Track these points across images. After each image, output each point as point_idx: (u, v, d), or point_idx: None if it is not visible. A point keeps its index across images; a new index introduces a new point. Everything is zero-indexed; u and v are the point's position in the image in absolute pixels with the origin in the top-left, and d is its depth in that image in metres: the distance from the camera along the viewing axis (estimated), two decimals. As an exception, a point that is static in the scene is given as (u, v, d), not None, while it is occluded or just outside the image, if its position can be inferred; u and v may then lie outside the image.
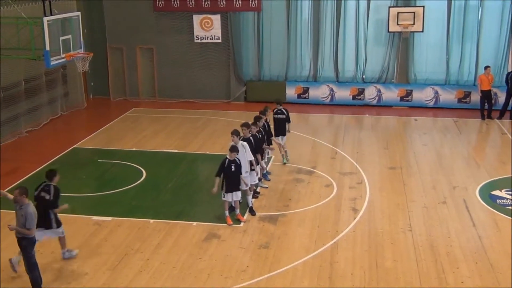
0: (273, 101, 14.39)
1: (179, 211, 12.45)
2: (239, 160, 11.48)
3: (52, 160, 15.92)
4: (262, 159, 12.84)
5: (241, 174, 11.45)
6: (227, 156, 11.39)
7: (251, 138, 12.33)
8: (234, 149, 11.37)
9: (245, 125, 12.39)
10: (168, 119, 20.39)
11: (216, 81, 22.73)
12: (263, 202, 12.87)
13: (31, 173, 14.60)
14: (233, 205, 11.82)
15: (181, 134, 18.48)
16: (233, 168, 11.39)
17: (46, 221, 9.58)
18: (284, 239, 11.15)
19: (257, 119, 13.03)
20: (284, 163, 14.78)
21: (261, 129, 13.01)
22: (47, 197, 9.54)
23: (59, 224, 9.82)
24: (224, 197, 11.60)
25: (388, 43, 21.66)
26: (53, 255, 10.49)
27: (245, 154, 11.84)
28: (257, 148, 12.42)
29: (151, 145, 17.31)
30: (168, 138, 18.04)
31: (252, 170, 12.15)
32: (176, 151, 16.74)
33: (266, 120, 13.55)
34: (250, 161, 12.00)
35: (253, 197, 12.51)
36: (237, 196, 11.58)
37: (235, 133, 11.78)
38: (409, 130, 18.94)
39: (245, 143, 11.97)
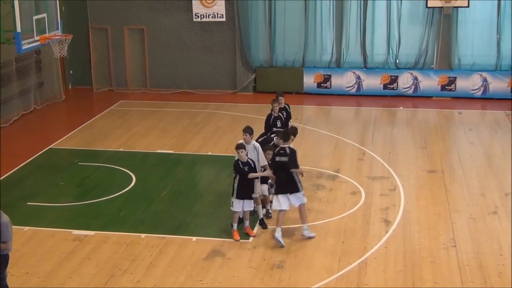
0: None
1: (176, 224, 12.50)
2: (253, 162, 11.57)
3: (24, 163, 16.00)
4: None
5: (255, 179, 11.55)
6: (238, 158, 11.45)
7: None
8: (239, 146, 11.45)
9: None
10: (162, 113, 20.44)
11: (219, 68, 22.89)
12: (276, 213, 12.71)
13: (-1, 179, 14.50)
14: (241, 216, 11.90)
15: (178, 131, 18.50)
16: (247, 171, 11.49)
17: (290, 185, 11.09)
18: (301, 257, 11.13)
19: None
20: None
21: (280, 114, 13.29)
22: (284, 159, 11.05)
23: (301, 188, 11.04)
24: (232, 206, 11.66)
25: (426, 21, 21.69)
26: (26, 276, 10.50)
27: (258, 158, 11.90)
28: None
29: (142, 145, 17.36)
30: (162, 136, 18.09)
31: (266, 182, 12.27)
32: (171, 152, 16.79)
33: (282, 111, 13.74)
34: (263, 167, 12.04)
35: (267, 209, 12.59)
36: (249, 205, 11.64)
37: (248, 131, 11.84)
38: (452, 125, 18.94)
39: (258, 145, 12.05)
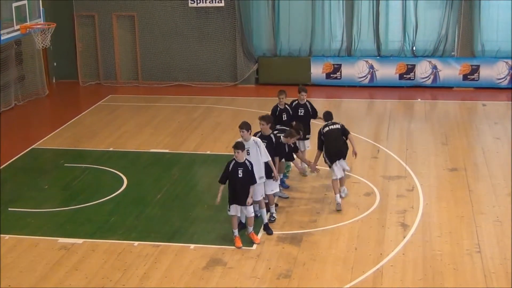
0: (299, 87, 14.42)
1: (172, 231, 12.47)
2: (250, 164, 11.50)
3: (4, 165, 15.99)
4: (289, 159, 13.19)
5: (252, 183, 11.47)
6: (234, 157, 11.37)
7: (272, 136, 12.39)
8: (238, 146, 11.40)
9: (265, 118, 12.41)
10: (156, 109, 20.42)
11: (218, 58, 22.91)
12: (282, 217, 12.84)
13: (-23, 183, 14.62)
14: (243, 221, 11.91)
15: (173, 129, 18.48)
16: (240, 174, 11.40)
17: (342, 151, 13.18)
18: (310, 266, 11.11)
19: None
20: (303, 175, 14.80)
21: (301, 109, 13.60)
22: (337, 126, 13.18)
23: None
24: (229, 211, 11.65)
25: (446, 4, 21.72)
26: (7, 289, 10.55)
27: (259, 154, 11.86)
28: (279, 150, 12.53)
29: (133, 143, 17.34)
30: (156, 134, 18.06)
31: (271, 177, 12.22)
32: (166, 151, 16.77)
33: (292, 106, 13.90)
34: (267, 164, 12.05)
35: (270, 212, 12.61)
36: (247, 211, 11.63)
37: (245, 126, 11.81)
38: (476, 119, 18.93)
39: (258, 140, 12.00)
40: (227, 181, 11.44)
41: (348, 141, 13.25)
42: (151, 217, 12.98)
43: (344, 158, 13.17)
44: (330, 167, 13.09)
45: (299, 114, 14.05)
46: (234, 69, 22.84)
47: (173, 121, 19.13)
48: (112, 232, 12.40)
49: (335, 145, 13.04)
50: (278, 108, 13.78)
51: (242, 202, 11.38)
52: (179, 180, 14.91)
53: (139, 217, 13.10)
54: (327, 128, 13.12)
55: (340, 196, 13.16)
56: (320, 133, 13.11)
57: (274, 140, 12.34)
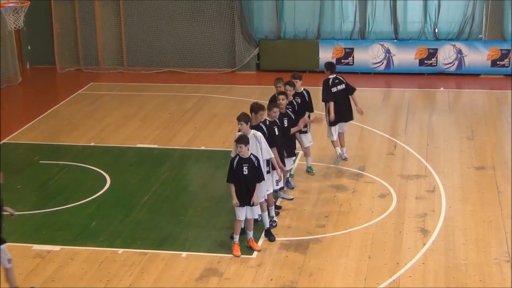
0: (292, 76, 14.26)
1: (161, 237, 12.45)
2: (256, 159, 11.54)
3: (-29, 162, 15.82)
4: (288, 155, 13.05)
5: (259, 180, 11.54)
6: (238, 153, 11.47)
7: (261, 125, 12.29)
8: (241, 140, 11.41)
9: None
10: (143, 98, 20.39)
11: (214, 42, 22.92)
12: (286, 221, 12.84)
13: None
14: (243, 226, 11.92)
15: (163, 121, 18.46)
16: (245, 171, 11.44)
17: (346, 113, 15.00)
18: (318, 277, 11.09)
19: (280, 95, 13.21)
20: (310, 173, 14.80)
21: (288, 111, 13.21)
22: (342, 86, 14.98)
23: None
24: (238, 216, 11.71)
25: (472, -20, 21.24)
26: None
27: (259, 150, 11.89)
28: (273, 139, 12.40)
29: (118, 138, 17.33)
30: (144, 127, 18.06)
31: (268, 172, 12.25)
32: (155, 146, 16.76)
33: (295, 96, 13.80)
34: (268, 161, 12.12)
35: (270, 216, 12.58)
36: (252, 213, 11.67)
37: (244, 118, 11.79)
38: (506, 110, 18.84)
39: (258, 134, 12.00)
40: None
41: (351, 98, 14.70)
42: (138, 222, 12.97)
43: (346, 121, 14.73)
44: (328, 126, 14.52)
45: (295, 103, 13.83)
46: (232, 54, 22.84)
47: (163, 112, 19.10)
48: (94, 238, 12.37)
49: (339, 109, 14.42)
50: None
51: (248, 202, 11.51)
52: (169, 179, 14.89)
53: (124, 221, 13.08)
54: (334, 89, 14.45)
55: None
56: (329, 85, 14.50)
57: (264, 128, 12.24)
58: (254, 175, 11.40)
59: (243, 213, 11.53)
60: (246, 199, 11.48)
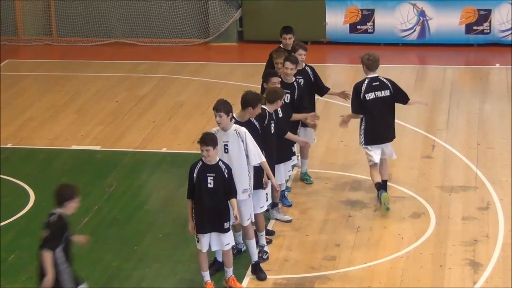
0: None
1: (107, 275, 11.58)
2: (226, 167, 10.72)
3: None
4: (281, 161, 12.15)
5: (229, 197, 10.54)
6: (202, 158, 10.70)
7: (252, 120, 11.33)
8: (206, 139, 10.45)
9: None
10: (80, 81, 19.26)
11: (179, 3, 21.44)
12: (282, 252, 11.97)
13: None
14: (219, 258, 11.01)
15: (108, 113, 17.46)
16: (210, 183, 10.51)
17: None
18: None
19: (270, 75, 12.12)
20: (307, 182, 13.90)
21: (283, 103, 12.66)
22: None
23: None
24: (197, 242, 10.78)
25: None
26: None
27: (242, 153, 10.87)
28: (266, 140, 11.65)
29: (44, 137, 16.45)
30: (81, 121, 17.16)
31: (262, 188, 11.37)
32: (97, 148, 15.84)
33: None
34: (257, 169, 11.23)
35: (260, 245, 11.52)
36: (219, 243, 10.55)
37: (223, 107, 10.87)
38: None
39: (243, 130, 11.12)
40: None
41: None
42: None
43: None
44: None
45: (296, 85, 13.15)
46: (204, 19, 21.44)
47: (108, 101, 17.99)
48: (13, 276, 11.34)
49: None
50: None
51: (215, 226, 10.45)
52: (117, 194, 13.91)
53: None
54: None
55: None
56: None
57: (257, 125, 11.41)
58: (222, 189, 10.42)
59: (205, 243, 10.55)
60: (211, 223, 10.47)
